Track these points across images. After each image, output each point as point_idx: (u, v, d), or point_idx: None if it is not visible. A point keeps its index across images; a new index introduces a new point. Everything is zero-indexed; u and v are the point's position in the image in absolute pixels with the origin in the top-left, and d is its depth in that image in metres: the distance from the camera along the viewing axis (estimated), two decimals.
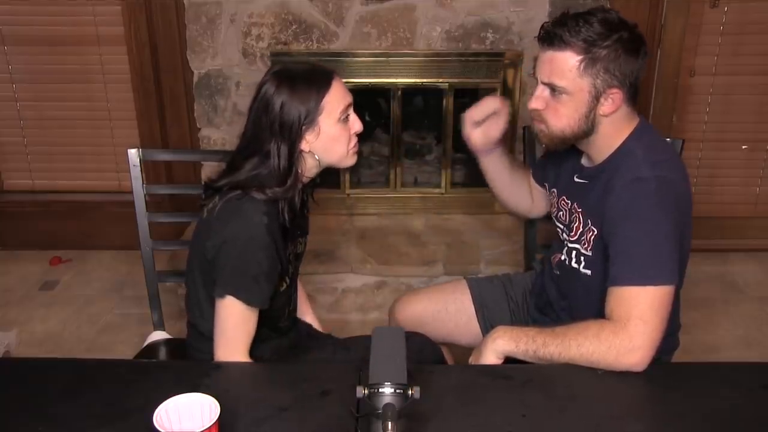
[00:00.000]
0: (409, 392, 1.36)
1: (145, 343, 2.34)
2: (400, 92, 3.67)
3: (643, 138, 1.92)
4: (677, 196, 1.84)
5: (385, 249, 3.59)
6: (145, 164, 2.41)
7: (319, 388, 1.62)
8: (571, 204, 2.05)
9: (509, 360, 1.82)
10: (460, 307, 2.36)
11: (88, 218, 3.86)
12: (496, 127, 2.15)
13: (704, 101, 3.72)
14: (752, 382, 1.68)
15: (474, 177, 3.96)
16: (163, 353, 2.29)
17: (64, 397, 1.61)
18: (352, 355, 2.10)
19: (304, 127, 1.83)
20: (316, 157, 1.89)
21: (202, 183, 1.93)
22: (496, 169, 2.28)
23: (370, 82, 3.65)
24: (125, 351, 3.02)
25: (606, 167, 1.93)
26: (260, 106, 1.86)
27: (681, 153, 2.33)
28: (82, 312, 3.46)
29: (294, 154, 1.85)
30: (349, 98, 1.92)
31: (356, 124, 1.95)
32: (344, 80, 3.48)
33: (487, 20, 3.51)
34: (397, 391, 1.35)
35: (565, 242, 2.06)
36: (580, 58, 1.82)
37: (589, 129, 1.90)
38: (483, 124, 2.16)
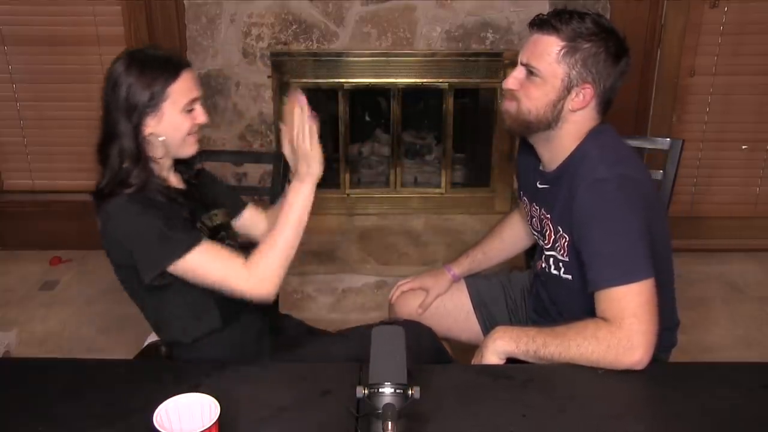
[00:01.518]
0: (410, 392, 1.36)
1: (145, 344, 2.34)
2: (400, 92, 3.67)
3: (598, 138, 1.93)
4: (641, 191, 1.85)
5: (385, 249, 3.59)
6: None
7: (319, 388, 1.62)
8: (540, 210, 2.06)
9: (511, 360, 1.83)
10: (457, 304, 2.38)
11: (88, 218, 3.83)
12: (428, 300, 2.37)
13: (704, 101, 3.72)
14: (752, 382, 1.68)
15: (474, 177, 3.97)
16: (162, 353, 2.28)
17: (64, 398, 1.61)
18: (351, 344, 2.09)
19: (148, 110, 1.85)
20: (161, 139, 1.90)
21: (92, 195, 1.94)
22: (481, 266, 2.44)
23: (370, 82, 3.66)
24: (125, 351, 3.02)
25: (564, 172, 1.94)
26: (108, 85, 1.87)
27: (681, 153, 2.33)
28: (82, 312, 3.46)
29: (139, 136, 1.87)
30: (196, 92, 1.92)
31: (200, 117, 1.93)
32: (344, 80, 3.51)
33: (487, 20, 3.51)
34: (397, 391, 1.35)
35: (543, 249, 2.07)
36: (562, 44, 1.85)
37: (553, 119, 1.91)
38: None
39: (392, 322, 2.14)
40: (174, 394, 1.41)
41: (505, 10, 3.50)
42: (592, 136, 1.93)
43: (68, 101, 3.75)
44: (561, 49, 1.85)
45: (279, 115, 3.68)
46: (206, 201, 2.08)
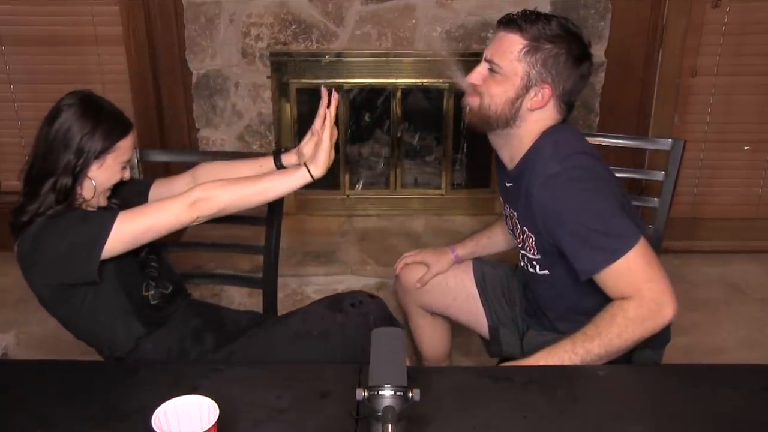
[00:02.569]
0: (409, 394, 1.36)
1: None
2: (400, 92, 3.67)
3: (553, 136, 1.98)
4: (595, 175, 1.90)
5: (385, 250, 3.59)
6: (143, 165, 2.41)
7: (319, 390, 1.63)
8: (509, 209, 2.11)
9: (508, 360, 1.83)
10: (459, 284, 2.44)
11: None
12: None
13: (706, 102, 3.72)
14: (754, 384, 1.68)
15: (475, 178, 3.96)
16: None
17: (63, 400, 1.62)
18: (291, 325, 2.18)
19: (96, 157, 1.96)
20: (93, 184, 1.99)
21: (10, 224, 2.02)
22: (485, 251, 2.52)
23: (369, 83, 3.66)
24: None
25: (523, 170, 1.99)
26: (56, 126, 1.97)
27: (682, 154, 2.33)
28: None
29: (79, 178, 1.96)
30: (133, 152, 2.08)
31: (126, 173, 2.07)
32: (344, 80, 3.51)
33: (488, 20, 3.50)
34: (397, 393, 1.35)
35: (519, 249, 2.11)
36: (524, 43, 1.92)
37: (511, 117, 1.96)
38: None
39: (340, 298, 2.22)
40: (172, 396, 1.41)
41: (506, 10, 3.45)
42: (547, 134, 1.98)
43: None
44: (523, 48, 1.92)
45: (278, 116, 3.69)
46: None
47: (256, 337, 2.17)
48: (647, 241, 1.83)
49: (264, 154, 2.21)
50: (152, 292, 2.09)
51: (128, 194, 2.14)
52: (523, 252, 2.09)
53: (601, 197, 1.85)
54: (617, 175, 2.44)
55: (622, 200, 1.94)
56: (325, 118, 1.94)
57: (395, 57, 3.59)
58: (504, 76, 1.95)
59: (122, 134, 1.99)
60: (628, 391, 1.68)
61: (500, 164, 2.15)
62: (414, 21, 3.53)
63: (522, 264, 2.13)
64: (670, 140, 2.38)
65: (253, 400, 1.60)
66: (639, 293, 1.77)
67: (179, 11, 3.56)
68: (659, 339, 2.09)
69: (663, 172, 2.37)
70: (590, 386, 1.69)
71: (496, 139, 2.06)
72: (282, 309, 2.50)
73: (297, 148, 2.12)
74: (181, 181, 2.23)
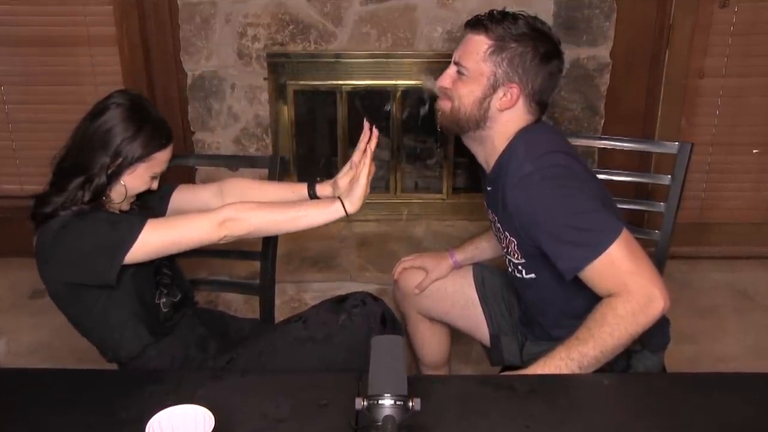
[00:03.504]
0: (410, 404, 1.37)
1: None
2: (400, 94, 3.68)
3: (526, 136, 2.00)
4: (570, 173, 1.92)
5: (385, 256, 3.59)
6: None
7: (317, 400, 1.63)
8: (491, 214, 2.13)
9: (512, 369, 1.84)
10: (458, 290, 2.46)
11: None
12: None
13: (714, 104, 3.73)
14: (763, 393, 1.69)
15: (476, 182, 3.96)
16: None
17: (56, 409, 1.62)
18: (294, 332, 2.19)
19: (131, 164, 1.97)
20: (125, 188, 2.01)
21: (31, 212, 2.02)
22: (485, 255, 2.55)
23: (369, 84, 3.66)
24: None
25: (499, 172, 2.01)
26: (98, 123, 1.96)
27: (690, 157, 2.34)
28: None
29: (112, 181, 1.98)
30: (166, 166, 2.08)
31: (155, 184, 2.09)
32: (343, 82, 3.52)
33: None
34: (398, 402, 1.36)
35: (505, 254, 2.12)
36: (489, 43, 1.95)
37: (481, 118, 1.99)
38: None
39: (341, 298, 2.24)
40: (168, 405, 1.42)
41: (508, 9, 3.49)
42: (521, 134, 2.00)
43: (58, 104, 3.73)
44: (488, 48, 1.95)
45: (276, 119, 3.69)
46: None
47: (256, 343, 2.18)
48: (630, 233, 1.83)
49: (298, 182, 2.25)
50: (164, 300, 2.11)
51: (150, 195, 2.16)
52: (508, 257, 2.11)
53: (577, 193, 1.87)
54: (622, 179, 2.46)
55: (601, 195, 1.95)
56: (364, 152, 1.98)
57: (395, 58, 3.60)
58: (471, 77, 1.98)
59: (162, 146, 2.00)
60: (632, 400, 1.68)
61: (481, 168, 2.17)
62: (414, 21, 3.53)
63: (510, 269, 2.15)
64: (676, 143, 2.39)
65: (251, 409, 1.61)
66: (626, 288, 1.78)
67: (174, 11, 3.56)
68: (657, 340, 2.10)
69: (669, 176, 2.38)
70: (594, 395, 1.69)
71: (471, 143, 2.09)
72: (279, 316, 2.51)
73: (333, 180, 2.15)
74: (206, 192, 2.26)
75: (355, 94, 3.71)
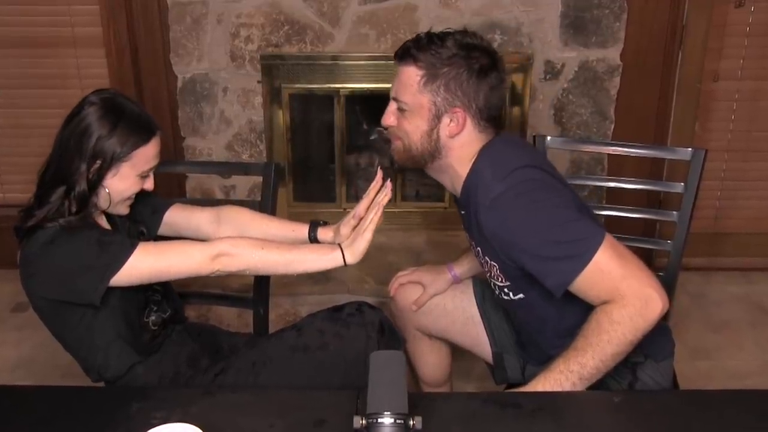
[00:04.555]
0: (411, 422, 1.36)
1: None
2: None
3: (489, 156, 2.00)
4: (542, 185, 1.92)
5: (384, 268, 3.59)
6: None
7: (314, 418, 1.62)
8: (470, 238, 2.12)
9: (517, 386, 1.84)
10: (458, 306, 2.45)
11: None
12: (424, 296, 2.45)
13: (729, 108, 3.73)
14: None
15: None
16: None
17: (39, 428, 1.62)
18: (286, 341, 2.19)
19: (111, 165, 1.95)
20: (108, 192, 1.99)
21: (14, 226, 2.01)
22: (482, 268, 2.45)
23: (368, 88, 3.67)
24: None
25: (469, 197, 2.01)
26: (74, 127, 1.95)
27: (704, 164, 2.34)
28: None
29: (92, 184, 1.95)
30: (157, 161, 2.03)
31: (150, 184, 2.07)
32: (341, 85, 3.51)
33: (495, 21, 3.52)
34: (398, 421, 1.35)
35: (489, 278, 2.14)
36: (421, 73, 1.94)
37: (434, 150, 2.00)
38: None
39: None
40: (156, 424, 1.42)
41: (514, 10, 3.51)
42: (483, 154, 2.00)
43: (42, 108, 3.75)
44: (421, 79, 1.94)
45: (270, 124, 3.69)
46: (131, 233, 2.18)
47: (249, 353, 2.18)
48: (612, 237, 1.84)
49: (299, 222, 2.26)
50: (153, 317, 2.12)
51: (142, 208, 2.17)
52: (492, 281, 2.10)
53: (553, 204, 1.87)
54: (633, 186, 2.46)
55: (576, 203, 1.96)
56: (372, 205, 1.99)
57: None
58: (412, 111, 1.98)
59: (142, 141, 1.97)
60: (642, 419, 1.68)
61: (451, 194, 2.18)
62: (415, 21, 3.53)
63: (496, 293, 2.14)
64: (690, 149, 2.39)
65: (243, 429, 1.61)
66: (619, 293, 1.78)
67: (163, 11, 3.56)
68: (660, 349, 2.10)
69: (682, 184, 2.38)
70: (603, 413, 1.69)
71: (433, 173, 2.10)
72: (274, 330, 2.50)
73: (336, 225, 2.16)
74: (202, 216, 2.26)
75: (354, 98, 3.72)
